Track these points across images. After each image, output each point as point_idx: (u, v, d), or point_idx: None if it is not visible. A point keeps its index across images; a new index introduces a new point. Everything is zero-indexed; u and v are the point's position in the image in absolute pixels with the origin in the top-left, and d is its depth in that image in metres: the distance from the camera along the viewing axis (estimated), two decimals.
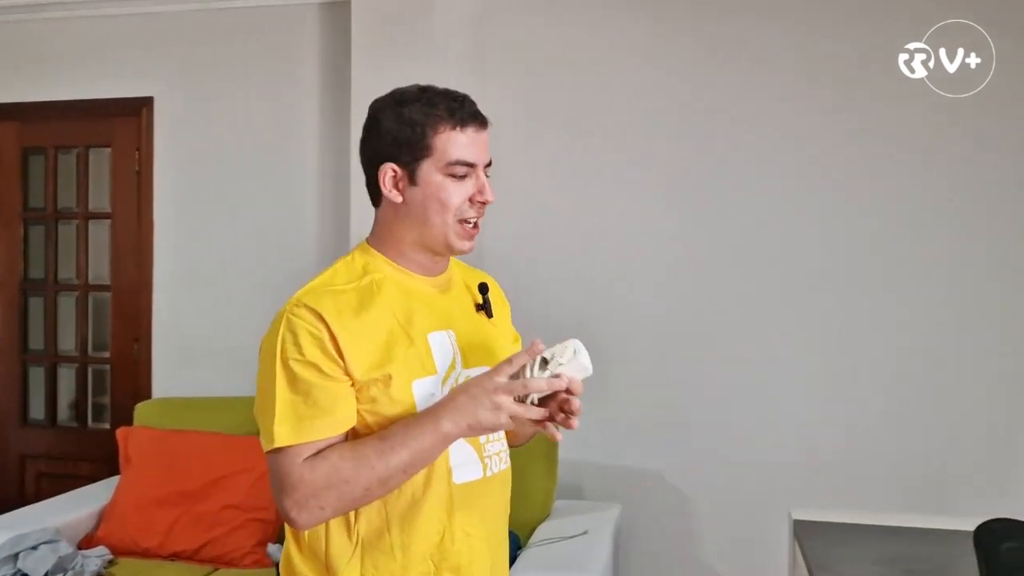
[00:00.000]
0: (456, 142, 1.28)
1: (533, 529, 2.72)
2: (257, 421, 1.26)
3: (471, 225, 1.31)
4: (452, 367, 1.32)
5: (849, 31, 2.94)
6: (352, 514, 1.26)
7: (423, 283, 1.35)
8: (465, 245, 1.32)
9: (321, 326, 1.22)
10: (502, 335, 1.47)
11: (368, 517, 1.27)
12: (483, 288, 1.43)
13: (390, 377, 1.25)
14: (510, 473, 1.45)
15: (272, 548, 2.71)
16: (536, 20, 3.21)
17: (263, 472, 2.83)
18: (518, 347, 1.51)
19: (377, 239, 1.36)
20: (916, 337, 2.91)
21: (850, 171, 2.96)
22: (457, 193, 1.29)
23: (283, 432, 1.21)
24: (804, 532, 1.95)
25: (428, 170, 1.28)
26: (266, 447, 1.23)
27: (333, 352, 1.22)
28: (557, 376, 1.19)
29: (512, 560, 2.51)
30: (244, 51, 3.46)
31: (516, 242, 3.18)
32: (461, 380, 1.31)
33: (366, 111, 1.35)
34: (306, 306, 1.24)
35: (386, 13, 3.12)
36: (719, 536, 3.05)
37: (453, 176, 1.28)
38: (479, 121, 1.31)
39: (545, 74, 3.21)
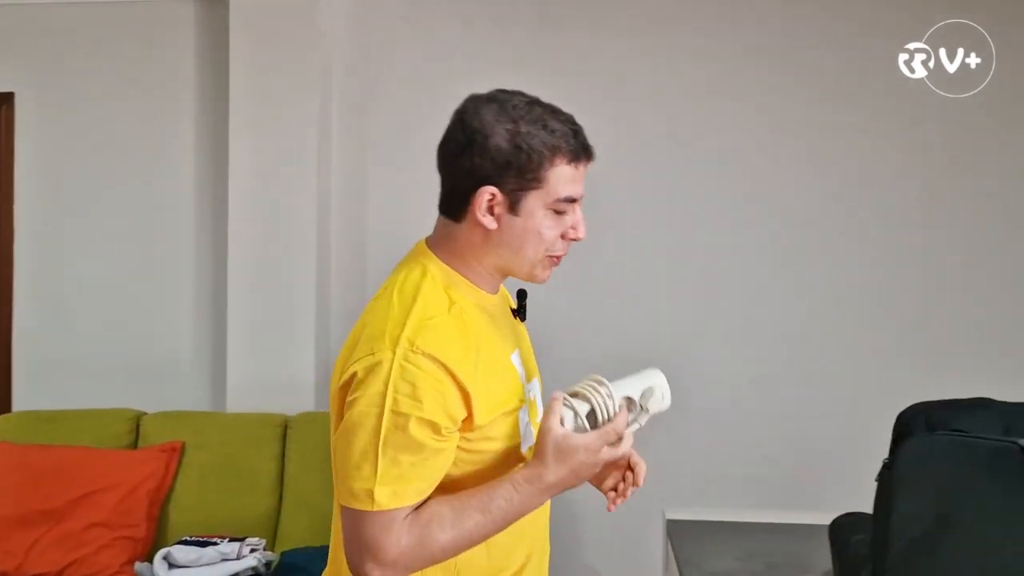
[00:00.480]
0: (568, 178, 1.18)
1: None
2: (341, 471, 1.14)
3: (556, 257, 1.24)
4: (524, 394, 1.27)
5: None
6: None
7: (491, 301, 1.27)
8: (546, 276, 1.25)
9: (448, 379, 1.11)
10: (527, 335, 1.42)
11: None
12: (521, 295, 1.37)
13: (505, 414, 1.20)
14: None
15: (140, 567, 2.59)
16: (419, 16, 3.22)
17: (132, 487, 2.72)
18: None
19: (450, 254, 1.24)
20: (776, 342, 3.07)
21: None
22: (556, 228, 1.20)
23: (383, 496, 1.09)
24: (676, 531, 2.03)
25: (534, 202, 1.17)
26: (355, 505, 1.11)
27: (459, 408, 1.13)
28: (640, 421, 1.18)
29: None
30: (113, 46, 3.31)
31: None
32: (530, 398, 1.28)
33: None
34: (426, 354, 1.10)
35: (266, 6, 3.05)
36: (599, 537, 3.12)
37: (556, 211, 1.19)
38: (590, 154, 1.20)
39: (428, 74, 3.21)
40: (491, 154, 1.15)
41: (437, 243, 1.26)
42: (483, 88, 1.24)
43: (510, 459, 1.21)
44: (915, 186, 3.04)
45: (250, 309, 3.13)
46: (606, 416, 1.15)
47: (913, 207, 3.04)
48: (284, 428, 2.92)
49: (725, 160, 3.10)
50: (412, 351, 1.10)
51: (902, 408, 1.27)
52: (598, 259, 3.04)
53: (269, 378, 3.12)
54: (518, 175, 1.15)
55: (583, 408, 1.16)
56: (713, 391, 3.05)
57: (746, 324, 3.08)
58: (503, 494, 1.13)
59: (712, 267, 3.10)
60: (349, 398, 1.13)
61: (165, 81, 3.29)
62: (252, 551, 2.40)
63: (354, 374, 1.13)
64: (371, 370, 1.11)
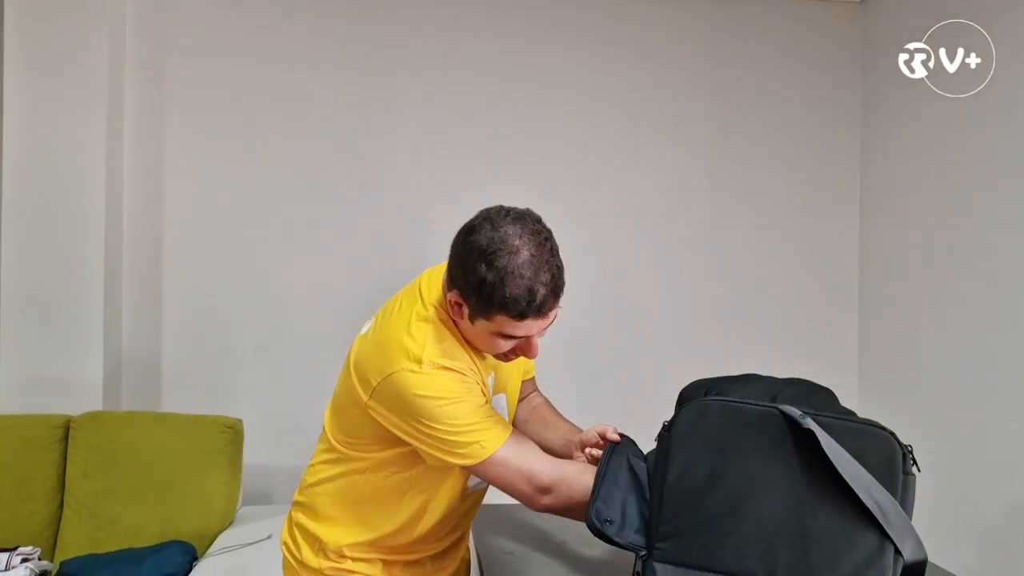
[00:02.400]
0: (513, 326, 1.35)
1: (214, 538, 2.58)
2: (448, 458, 1.39)
3: (514, 357, 1.45)
4: (487, 401, 1.49)
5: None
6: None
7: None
8: (506, 360, 1.48)
9: (457, 376, 1.40)
10: (520, 362, 1.64)
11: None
12: None
13: None
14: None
15: None
16: None
17: None
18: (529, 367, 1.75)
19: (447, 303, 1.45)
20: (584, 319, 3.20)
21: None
22: (504, 346, 1.40)
23: (490, 439, 1.37)
24: (478, 524, 2.05)
25: (484, 325, 1.37)
26: (483, 458, 1.38)
27: (472, 382, 1.42)
28: None
29: (187, 572, 2.38)
30: None
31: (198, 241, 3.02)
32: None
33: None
34: (443, 367, 1.38)
35: None
36: None
37: (503, 338, 1.38)
38: (541, 313, 1.34)
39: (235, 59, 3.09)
40: (463, 276, 1.35)
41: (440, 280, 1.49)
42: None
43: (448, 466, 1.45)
44: (717, 196, 3.28)
45: (26, 297, 2.86)
46: None
47: (714, 217, 3.28)
48: (66, 429, 2.69)
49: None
50: (434, 367, 1.38)
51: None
52: None
53: (49, 375, 2.86)
54: (473, 305, 1.35)
55: None
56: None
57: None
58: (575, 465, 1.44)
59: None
60: (398, 410, 1.40)
61: None
62: (24, 561, 2.19)
63: (387, 384, 1.40)
64: (403, 382, 1.37)
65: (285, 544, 1.63)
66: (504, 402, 1.60)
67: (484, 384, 1.48)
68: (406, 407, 1.37)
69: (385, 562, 1.55)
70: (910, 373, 2.97)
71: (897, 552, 1.09)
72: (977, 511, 2.59)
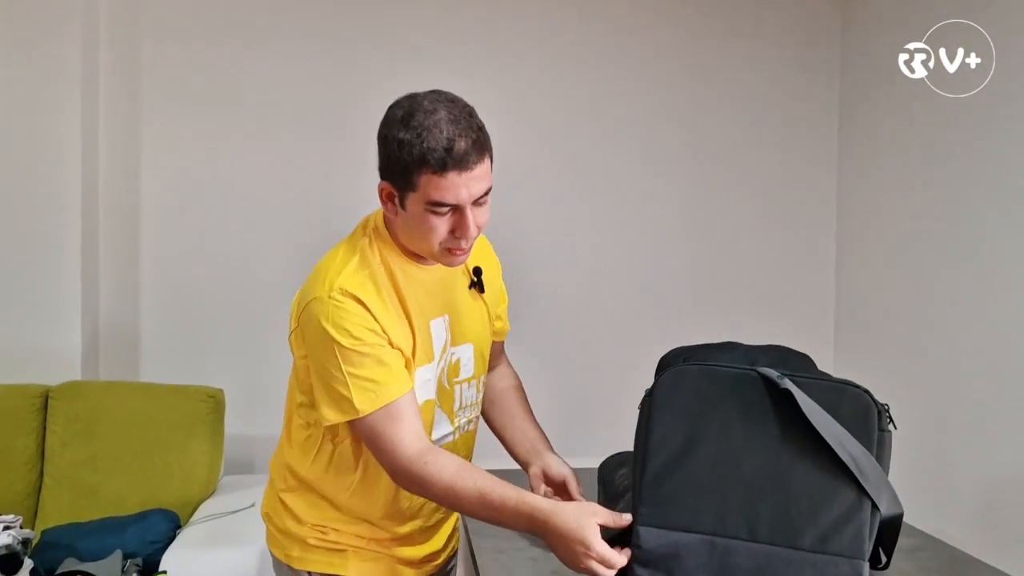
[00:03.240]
0: (437, 186, 1.25)
1: (197, 506, 2.60)
2: (322, 399, 1.34)
3: (458, 249, 1.33)
4: (444, 350, 1.45)
5: None
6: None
7: (427, 272, 1.42)
8: (451, 263, 1.37)
9: (364, 311, 1.31)
10: (490, 309, 1.57)
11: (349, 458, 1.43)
12: (477, 271, 1.52)
13: (406, 363, 1.36)
14: (475, 433, 1.59)
15: None
16: None
17: None
18: (504, 305, 1.65)
19: (388, 226, 1.40)
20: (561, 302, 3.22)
21: None
22: (440, 227, 1.30)
23: (364, 403, 1.30)
24: None
25: (413, 202, 1.28)
26: (348, 418, 1.32)
27: (379, 330, 1.32)
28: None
29: (171, 540, 2.39)
30: None
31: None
32: (453, 360, 1.47)
33: None
34: (351, 295, 1.31)
35: None
36: None
37: (434, 213, 1.28)
38: (463, 165, 1.25)
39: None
40: (382, 155, 1.30)
41: (385, 218, 1.42)
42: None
43: None
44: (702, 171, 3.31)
45: (1, 268, 2.83)
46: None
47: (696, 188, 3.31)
48: (44, 399, 2.68)
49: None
50: (341, 293, 1.31)
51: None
52: None
53: (26, 345, 2.84)
54: (398, 177, 1.28)
55: None
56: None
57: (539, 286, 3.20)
58: (504, 493, 1.25)
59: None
60: (306, 338, 1.36)
61: None
62: (6, 528, 2.19)
63: (305, 312, 1.35)
64: (307, 317, 1.34)
65: (267, 516, 1.58)
66: (472, 352, 1.52)
67: (419, 331, 1.39)
68: (312, 335, 1.33)
69: (364, 537, 1.49)
70: (886, 340, 3.03)
71: (874, 506, 1.12)
72: (952, 474, 2.66)
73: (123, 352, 3.06)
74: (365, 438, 1.34)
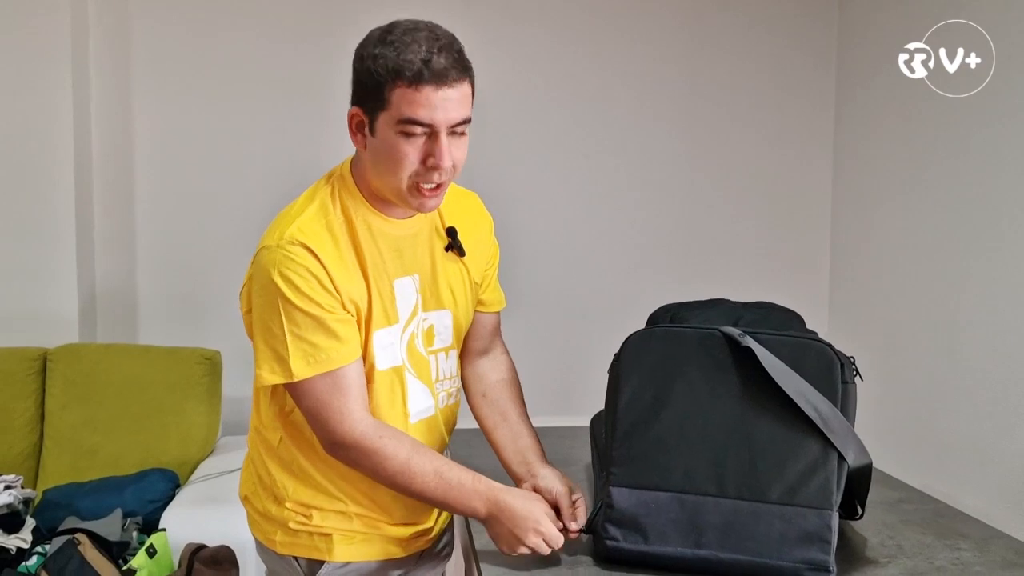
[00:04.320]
0: (410, 100, 1.15)
1: (195, 466, 2.64)
2: (261, 356, 1.24)
3: (430, 187, 1.20)
4: (414, 314, 1.33)
5: None
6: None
7: (394, 226, 1.30)
8: (422, 205, 1.23)
9: (316, 263, 1.20)
10: (471, 272, 1.41)
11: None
12: (451, 232, 1.37)
13: (360, 324, 1.25)
14: (457, 406, 1.47)
15: None
16: None
17: None
18: (495, 264, 1.50)
19: (356, 172, 1.29)
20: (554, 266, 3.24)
21: None
22: (410, 153, 1.17)
23: (300, 367, 1.20)
24: (455, 439, 2.11)
25: (384, 124, 1.18)
26: (283, 381, 1.22)
27: (331, 287, 1.21)
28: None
29: (170, 499, 2.44)
30: None
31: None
32: (424, 326, 1.34)
33: None
34: (300, 243, 1.20)
35: None
36: None
37: (406, 135, 1.16)
38: (441, 79, 1.14)
39: None
40: (355, 76, 1.21)
41: (353, 164, 1.31)
42: None
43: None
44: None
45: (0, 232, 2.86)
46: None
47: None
48: (43, 362, 2.72)
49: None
50: (290, 243, 1.21)
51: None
52: None
53: (24, 308, 2.87)
54: (370, 96, 1.18)
55: None
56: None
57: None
58: (459, 474, 1.23)
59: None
60: (253, 290, 1.26)
61: None
62: (7, 488, 2.24)
63: (254, 261, 1.26)
64: (257, 265, 1.24)
65: (246, 499, 1.45)
66: (450, 320, 1.39)
67: (378, 290, 1.28)
68: (260, 288, 1.23)
69: (349, 515, 1.35)
70: (880, 298, 3.04)
71: (841, 458, 1.14)
72: (944, 430, 2.68)
73: (120, 315, 3.09)
74: (305, 407, 1.24)
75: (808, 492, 1.13)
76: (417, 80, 1.14)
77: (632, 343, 1.23)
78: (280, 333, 1.21)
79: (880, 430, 2.86)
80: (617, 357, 1.25)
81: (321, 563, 1.35)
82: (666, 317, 1.33)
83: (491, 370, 1.51)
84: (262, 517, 1.40)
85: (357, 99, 1.21)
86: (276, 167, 3.12)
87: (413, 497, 1.26)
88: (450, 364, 1.42)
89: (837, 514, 1.14)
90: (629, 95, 3.27)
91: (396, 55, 1.15)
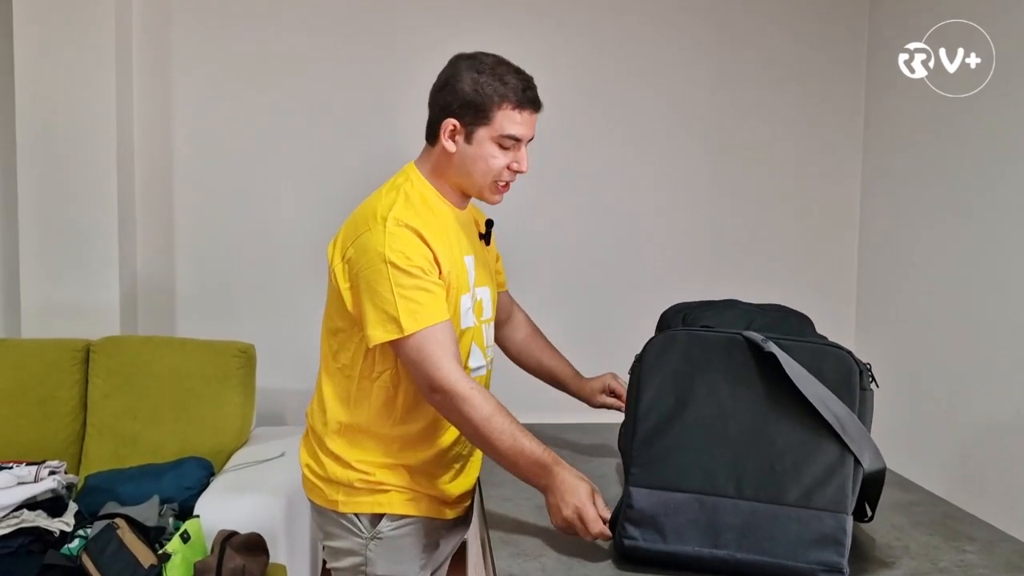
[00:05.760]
0: (513, 120, 1.49)
1: (230, 455, 2.71)
2: (372, 320, 1.43)
3: (503, 184, 1.55)
4: (470, 286, 1.58)
5: None
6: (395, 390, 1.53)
7: (457, 214, 1.60)
8: (497, 199, 1.58)
9: (420, 241, 1.45)
10: (493, 261, 1.76)
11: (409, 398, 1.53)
12: (489, 224, 1.71)
13: (450, 290, 1.50)
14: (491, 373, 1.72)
15: None
16: None
17: None
18: (502, 280, 1.84)
19: (426, 171, 1.58)
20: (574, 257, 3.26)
21: None
22: (500, 159, 1.51)
23: (408, 322, 1.41)
24: None
25: (483, 136, 1.50)
26: (395, 336, 1.42)
27: (431, 259, 1.46)
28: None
29: (204, 486, 2.51)
30: None
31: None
32: (477, 297, 1.61)
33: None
34: (406, 224, 1.45)
35: None
36: None
37: (501, 146, 1.50)
38: (535, 106, 1.53)
39: None
40: (457, 94, 1.50)
41: (420, 162, 1.60)
42: None
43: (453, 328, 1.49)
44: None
45: (44, 229, 2.95)
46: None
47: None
48: (86, 352, 2.80)
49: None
50: (396, 224, 1.45)
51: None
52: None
53: (68, 301, 2.97)
54: (474, 113, 1.49)
55: None
56: None
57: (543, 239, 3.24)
58: (530, 442, 1.37)
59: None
60: (356, 269, 1.46)
61: None
62: (51, 473, 2.32)
63: (354, 246, 1.48)
64: (361, 244, 1.46)
65: (307, 465, 1.64)
66: (489, 296, 1.67)
67: (456, 263, 1.52)
68: (364, 263, 1.44)
69: (410, 469, 1.56)
70: (905, 304, 3.03)
71: (857, 462, 1.17)
72: (965, 435, 2.67)
73: (160, 308, 3.18)
74: (409, 360, 1.43)
75: (825, 495, 1.15)
76: (520, 105, 1.50)
77: (654, 345, 1.26)
78: (390, 297, 1.41)
79: (904, 434, 2.86)
80: (639, 359, 1.27)
81: (381, 517, 1.56)
82: (678, 318, 1.36)
83: (520, 328, 1.89)
84: (323, 481, 1.59)
85: (455, 114, 1.50)
86: (311, 165, 3.19)
87: (486, 450, 1.42)
88: (492, 333, 1.70)
89: (851, 517, 1.17)
90: (656, 96, 3.29)
91: (502, 84, 1.48)
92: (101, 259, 2.96)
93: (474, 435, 1.41)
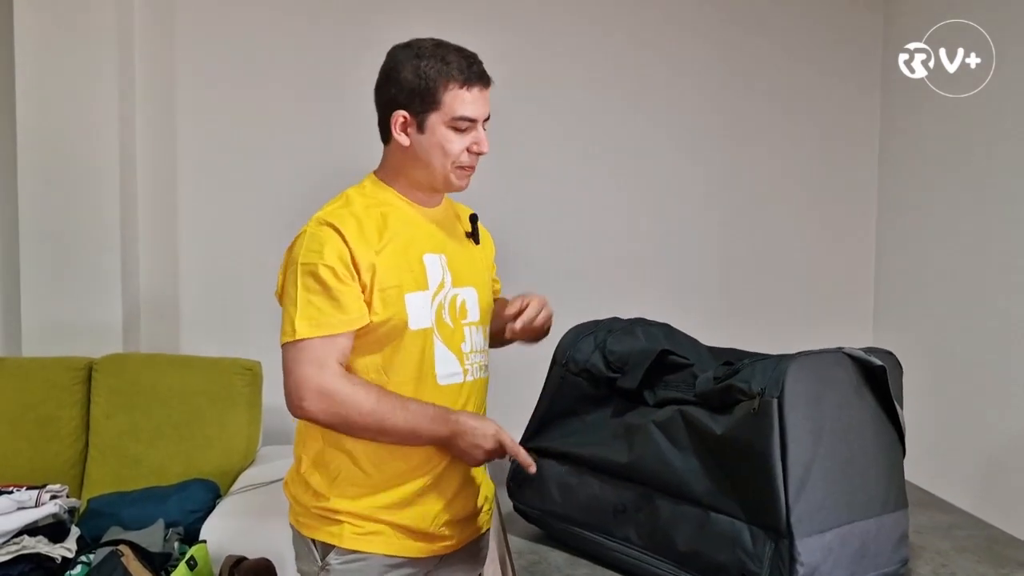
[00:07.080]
0: (462, 99, 1.44)
1: (236, 476, 2.65)
2: (283, 322, 1.42)
3: (467, 167, 1.50)
4: (442, 286, 1.51)
5: None
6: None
7: (423, 213, 1.54)
8: (463, 184, 1.52)
9: (340, 240, 1.40)
10: (485, 261, 1.68)
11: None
12: (473, 218, 1.65)
13: (388, 289, 1.43)
14: (487, 382, 1.63)
15: None
16: None
17: None
18: (498, 287, 1.75)
19: (385, 173, 1.54)
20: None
21: None
22: (458, 143, 1.46)
23: (303, 327, 1.38)
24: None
25: (435, 122, 1.45)
26: (284, 340, 1.40)
27: (349, 263, 1.40)
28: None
29: (210, 509, 2.45)
30: None
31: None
32: (451, 297, 1.52)
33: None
34: (327, 222, 1.42)
35: None
36: None
37: (456, 129, 1.45)
38: (484, 81, 1.47)
39: None
40: (401, 84, 1.46)
41: (379, 168, 1.57)
42: None
43: (397, 328, 1.45)
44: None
45: (45, 245, 2.89)
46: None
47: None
48: (88, 371, 2.75)
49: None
50: (320, 224, 1.43)
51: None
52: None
53: (70, 319, 2.91)
54: (421, 100, 1.44)
55: None
56: None
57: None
58: (424, 406, 1.42)
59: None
60: (281, 273, 1.48)
61: None
62: (53, 498, 2.25)
63: (286, 252, 1.49)
64: (293, 244, 1.46)
65: (286, 485, 1.60)
66: (476, 297, 1.57)
67: (405, 261, 1.45)
68: (286, 266, 1.46)
69: (374, 488, 1.47)
70: (926, 314, 2.97)
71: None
72: (992, 448, 2.61)
73: (163, 325, 3.12)
74: (285, 366, 1.40)
75: (900, 495, 1.19)
76: (468, 82, 1.44)
77: (793, 378, 1.06)
78: (294, 294, 1.40)
79: (928, 448, 2.79)
80: (771, 396, 1.06)
81: (332, 548, 1.48)
82: (583, 335, 1.39)
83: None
84: (292, 499, 1.56)
85: (402, 105, 1.46)
86: (319, 181, 3.11)
87: (387, 437, 1.41)
88: (480, 338, 1.58)
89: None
90: (670, 94, 3.24)
91: (445, 64, 1.43)
92: (103, 275, 2.91)
93: (367, 427, 1.39)
